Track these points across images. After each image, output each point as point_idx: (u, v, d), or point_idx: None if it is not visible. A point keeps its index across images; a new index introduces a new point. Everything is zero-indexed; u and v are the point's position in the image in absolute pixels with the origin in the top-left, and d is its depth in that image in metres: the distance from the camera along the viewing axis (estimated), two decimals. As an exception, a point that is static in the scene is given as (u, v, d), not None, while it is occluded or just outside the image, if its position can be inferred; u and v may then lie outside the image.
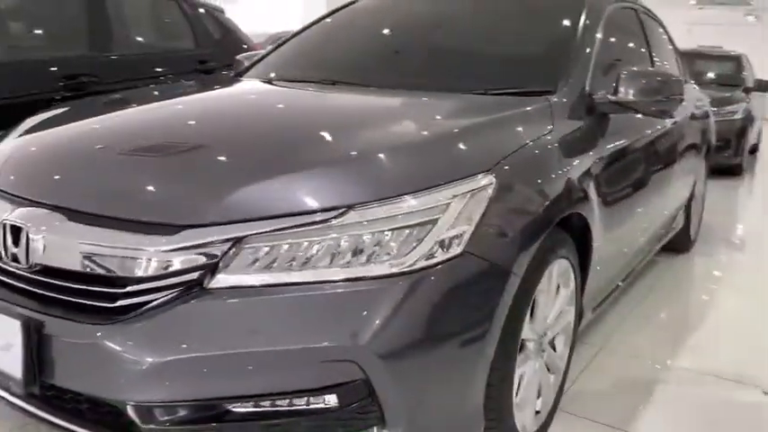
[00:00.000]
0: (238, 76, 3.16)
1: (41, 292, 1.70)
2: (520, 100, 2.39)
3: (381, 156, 1.77)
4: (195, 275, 1.57)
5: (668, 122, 3.34)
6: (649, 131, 3.06)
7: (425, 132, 1.96)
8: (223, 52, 4.75)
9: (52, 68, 3.88)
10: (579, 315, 2.51)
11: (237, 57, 3.56)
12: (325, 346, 1.52)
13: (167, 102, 2.59)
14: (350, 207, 1.61)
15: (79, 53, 4.11)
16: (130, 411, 1.58)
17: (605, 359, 2.90)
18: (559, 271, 2.20)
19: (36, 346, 1.62)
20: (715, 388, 2.72)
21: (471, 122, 2.05)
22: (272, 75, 3.01)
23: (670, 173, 3.40)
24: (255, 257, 1.57)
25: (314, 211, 1.60)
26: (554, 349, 2.36)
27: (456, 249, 1.67)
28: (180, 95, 2.73)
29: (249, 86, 2.87)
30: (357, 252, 1.59)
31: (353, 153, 1.78)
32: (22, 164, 1.98)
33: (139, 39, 4.71)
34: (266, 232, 1.58)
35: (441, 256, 1.65)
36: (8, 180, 1.90)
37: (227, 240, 1.57)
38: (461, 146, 1.90)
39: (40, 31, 4.17)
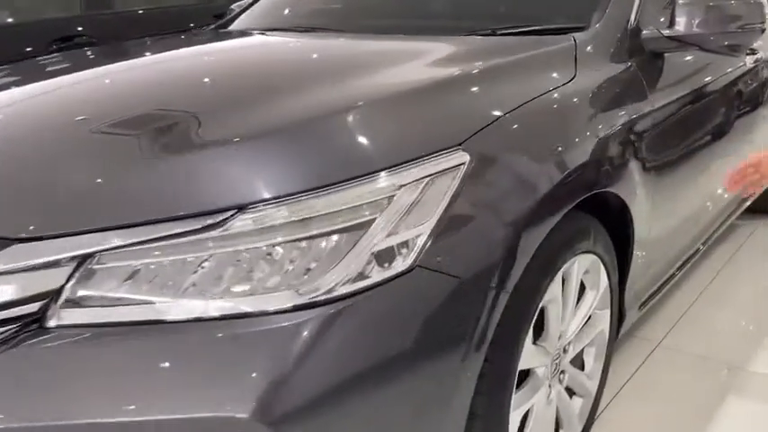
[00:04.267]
0: (220, 28, 2.68)
1: None
2: (535, 41, 1.82)
3: (290, 133, 1.25)
4: (34, 307, 1.13)
5: (747, 61, 2.63)
6: (720, 75, 2.39)
7: (369, 96, 1.40)
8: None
9: (44, 30, 3.52)
10: (619, 318, 1.96)
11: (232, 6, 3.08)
12: (202, 418, 1.05)
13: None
14: (240, 208, 1.12)
15: (74, 12, 3.72)
16: None
17: (662, 359, 2.33)
18: (583, 269, 1.66)
19: None
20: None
21: (446, 78, 1.49)
22: (249, 25, 2.51)
23: (750, 127, 2.71)
24: (108, 284, 1.11)
25: (189, 216, 1.12)
26: (581, 367, 1.83)
27: (402, 263, 1.16)
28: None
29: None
30: (246, 275, 1.10)
31: (251, 131, 1.26)
32: None
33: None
34: (121, 248, 1.11)
35: (377, 274, 1.14)
36: None
37: (71, 259, 1.12)
38: (421, 113, 1.36)
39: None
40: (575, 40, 1.78)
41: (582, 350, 1.82)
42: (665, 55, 2.02)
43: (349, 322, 1.10)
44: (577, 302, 1.70)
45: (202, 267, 1.10)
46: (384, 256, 1.15)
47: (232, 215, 1.11)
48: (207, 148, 1.23)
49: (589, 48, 1.80)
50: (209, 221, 1.11)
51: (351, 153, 1.20)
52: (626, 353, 2.33)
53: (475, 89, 1.46)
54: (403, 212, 1.17)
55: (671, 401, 2.10)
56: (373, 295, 1.13)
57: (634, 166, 1.75)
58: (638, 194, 1.78)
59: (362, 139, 1.24)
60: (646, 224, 1.86)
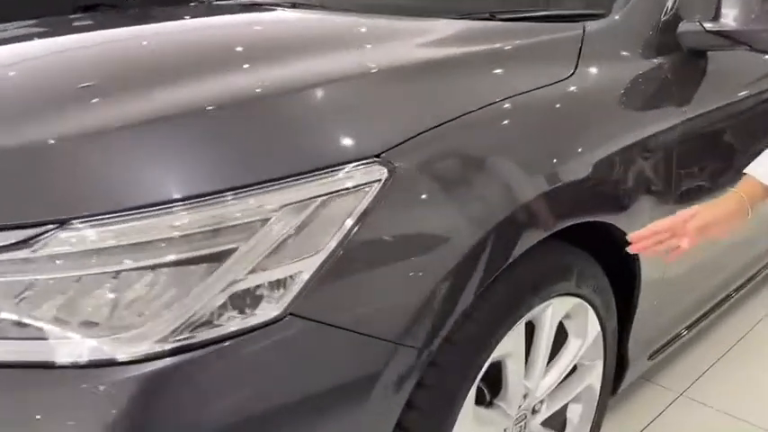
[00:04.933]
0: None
1: None
2: (534, 28, 1.49)
3: (137, 130, 0.97)
4: None
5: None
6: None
7: (265, 87, 1.08)
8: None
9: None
10: (620, 369, 1.62)
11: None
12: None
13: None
14: (62, 223, 0.86)
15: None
16: None
17: (682, 411, 1.97)
18: (560, 314, 1.34)
19: None
20: None
21: (384, 70, 1.17)
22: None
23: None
24: None
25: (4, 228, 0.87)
26: (561, 429, 1.51)
27: (271, 310, 0.88)
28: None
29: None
30: (47, 312, 0.84)
31: (95, 126, 0.98)
32: None
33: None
34: None
35: (232, 323, 0.87)
36: None
37: None
38: (330, 112, 1.05)
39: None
40: (584, 30, 1.45)
41: (565, 406, 1.51)
42: (707, 54, 1.65)
43: (179, 388, 0.83)
44: (555, 353, 1.39)
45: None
46: (244, 299, 0.87)
47: (48, 231, 0.86)
48: (44, 142, 0.97)
49: (602, 40, 1.45)
50: (22, 237, 0.86)
51: (214, 161, 0.92)
52: (644, 400, 2.00)
53: (421, 86, 1.15)
54: (278, 242, 0.89)
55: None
56: (222, 351, 0.85)
57: (644, 192, 1.40)
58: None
59: (231, 145, 0.95)
60: (658, 264, 1.52)
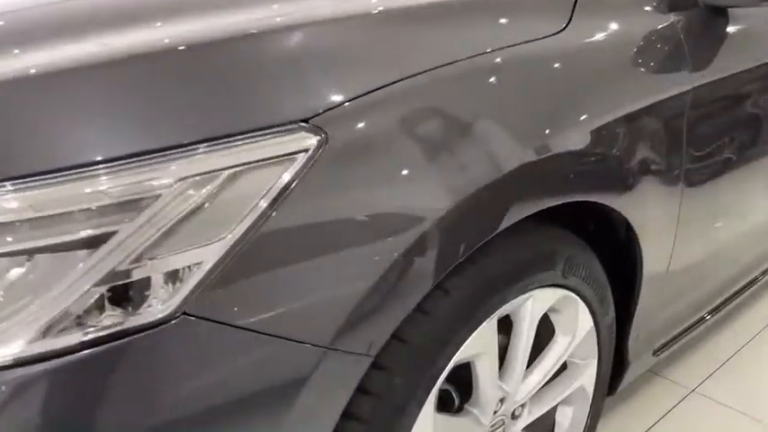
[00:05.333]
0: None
1: None
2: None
3: None
4: None
5: None
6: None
7: (171, 40, 0.86)
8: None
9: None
10: (620, 364, 1.44)
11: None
12: None
13: None
14: None
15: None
16: None
17: (694, 407, 1.79)
18: (543, 308, 1.16)
19: None
20: None
21: (319, 20, 0.95)
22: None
23: None
24: None
25: None
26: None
27: (160, 308, 0.72)
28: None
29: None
30: None
31: None
32: None
33: None
34: None
35: (111, 323, 0.71)
36: None
37: None
38: (246, 66, 0.85)
39: None
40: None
41: (554, 409, 1.34)
42: (728, 12, 1.44)
43: (39, 401, 0.68)
44: (538, 351, 1.22)
45: None
46: (126, 294, 0.71)
47: None
48: None
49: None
50: None
51: (93, 126, 0.75)
52: (653, 395, 1.84)
53: (372, 36, 0.95)
54: (171, 224, 0.73)
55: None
56: (96, 357, 0.69)
57: (647, 169, 1.22)
58: (652, 210, 1.25)
59: (114, 106, 0.77)
60: (664, 251, 1.33)
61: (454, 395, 1.13)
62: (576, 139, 1.07)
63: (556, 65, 1.08)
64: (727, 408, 1.79)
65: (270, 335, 0.77)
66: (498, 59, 1.00)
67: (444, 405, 1.14)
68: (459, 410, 1.13)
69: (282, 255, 0.77)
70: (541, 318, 1.18)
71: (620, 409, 1.75)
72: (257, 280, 0.76)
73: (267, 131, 0.78)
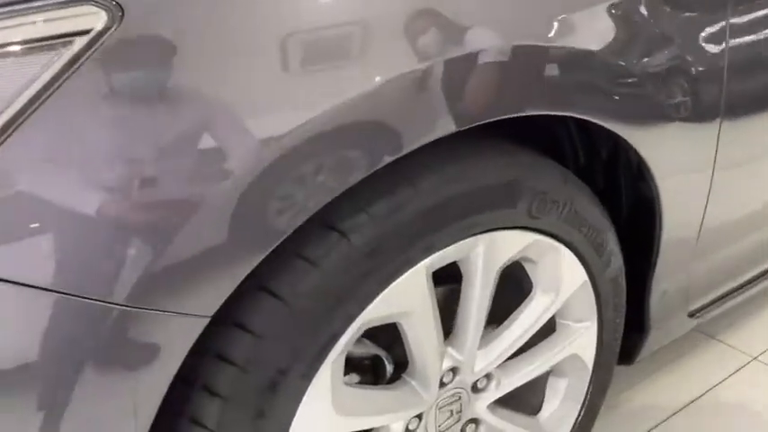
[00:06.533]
0: None
1: None
2: None
3: None
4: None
5: None
6: None
7: None
8: None
9: None
10: (638, 329, 1.16)
11: None
12: None
13: None
14: None
15: None
16: None
17: (755, 376, 1.52)
18: (509, 256, 0.90)
19: None
20: None
21: None
22: None
23: None
24: None
25: None
26: (536, 411, 1.09)
27: None
28: None
29: None
30: None
31: None
32: None
33: None
34: None
35: None
36: None
37: None
38: None
39: None
40: None
41: (545, 382, 1.09)
42: None
43: None
44: (508, 309, 0.96)
45: None
46: None
47: None
48: None
49: None
50: None
51: None
52: (713, 360, 1.57)
53: None
54: None
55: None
56: None
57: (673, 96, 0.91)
58: (675, 147, 0.95)
59: None
60: (695, 199, 1.03)
61: (386, 363, 0.90)
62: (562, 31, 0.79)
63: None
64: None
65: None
66: None
67: (377, 375, 0.92)
68: (392, 381, 0.91)
69: (37, 176, 0.57)
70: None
71: (667, 371, 1.50)
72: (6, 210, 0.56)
73: (32, 5, 0.56)
